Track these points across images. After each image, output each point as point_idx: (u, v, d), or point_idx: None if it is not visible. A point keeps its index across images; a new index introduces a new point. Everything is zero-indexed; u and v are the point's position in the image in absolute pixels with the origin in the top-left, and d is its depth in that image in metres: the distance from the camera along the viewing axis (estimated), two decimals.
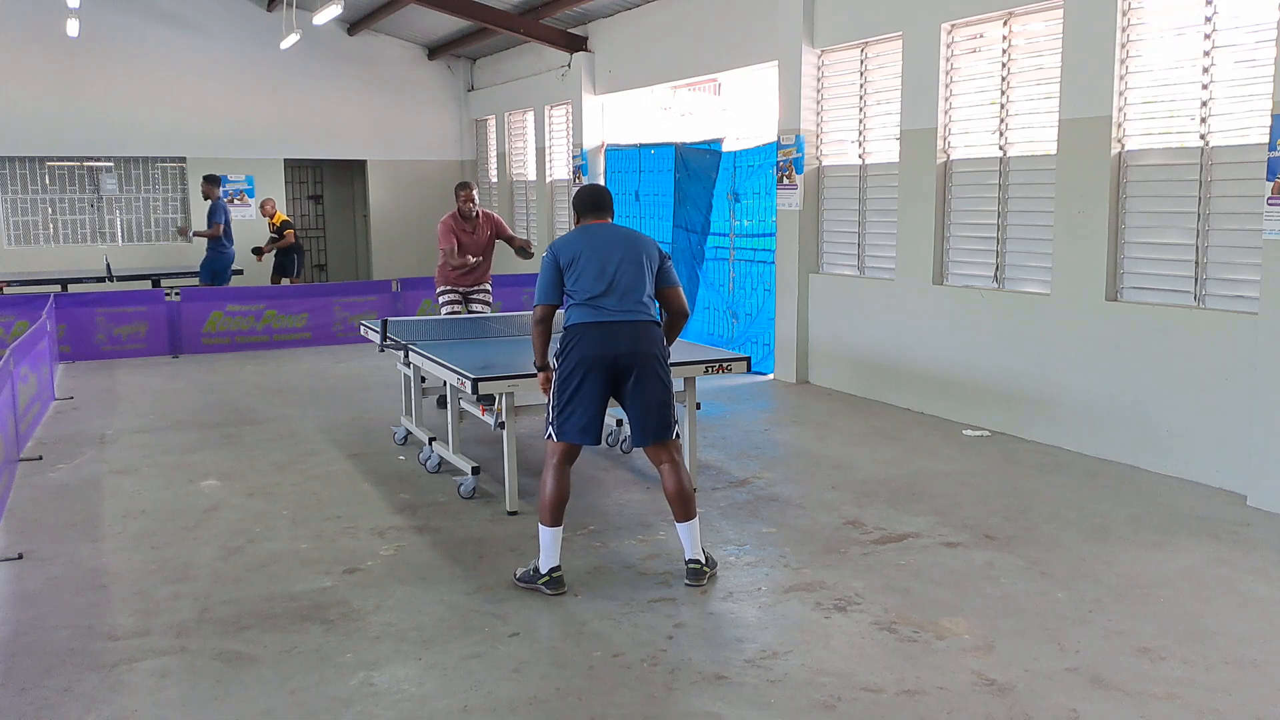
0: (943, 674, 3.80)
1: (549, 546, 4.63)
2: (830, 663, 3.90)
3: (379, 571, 4.93)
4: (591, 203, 4.95)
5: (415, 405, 7.17)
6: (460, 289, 8.74)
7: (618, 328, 4.64)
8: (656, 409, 4.70)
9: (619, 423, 6.95)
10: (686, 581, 4.70)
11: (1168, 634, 4.12)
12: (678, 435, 4.82)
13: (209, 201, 13.16)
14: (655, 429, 4.71)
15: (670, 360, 4.86)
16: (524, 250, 8.45)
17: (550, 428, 4.75)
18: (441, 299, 8.80)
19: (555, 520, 4.65)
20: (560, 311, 4.87)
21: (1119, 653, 3.96)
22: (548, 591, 4.58)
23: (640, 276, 4.72)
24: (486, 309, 8.84)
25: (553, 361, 4.79)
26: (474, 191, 8.61)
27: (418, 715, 3.57)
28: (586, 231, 4.83)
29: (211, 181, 13.18)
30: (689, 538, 4.74)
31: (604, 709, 3.58)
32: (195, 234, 13.48)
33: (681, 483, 4.73)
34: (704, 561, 4.74)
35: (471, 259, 8.53)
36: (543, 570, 4.62)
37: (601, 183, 5.13)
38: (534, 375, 5.64)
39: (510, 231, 8.85)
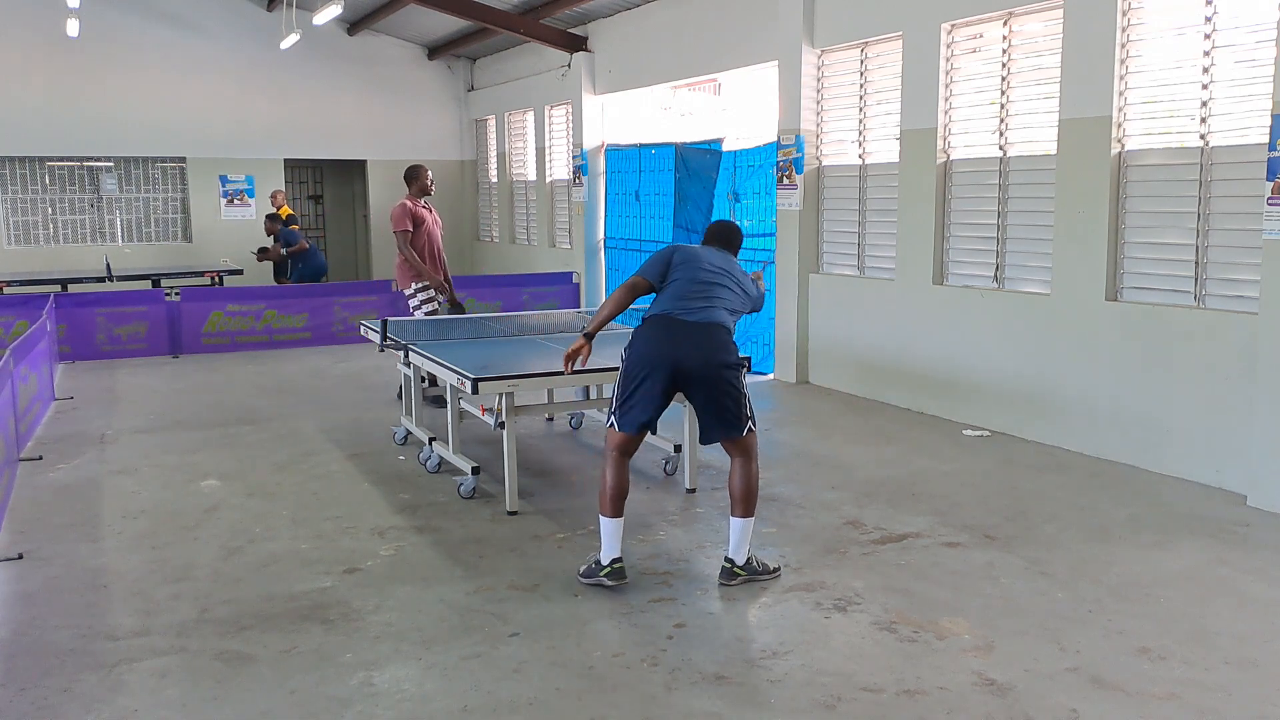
0: (943, 674, 3.79)
1: (609, 536, 4.64)
2: (830, 663, 3.90)
3: (379, 571, 4.93)
4: (718, 234, 5.12)
5: (415, 405, 7.17)
6: (433, 284, 8.36)
7: (686, 328, 4.63)
8: (717, 411, 4.68)
9: None
10: (721, 581, 4.71)
11: (1168, 634, 4.12)
12: (751, 430, 4.74)
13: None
14: (717, 429, 4.72)
15: (741, 358, 4.80)
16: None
17: (613, 418, 4.75)
18: (417, 298, 8.37)
19: (615, 511, 4.64)
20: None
21: (1119, 653, 3.96)
22: (609, 583, 4.57)
23: (727, 292, 4.79)
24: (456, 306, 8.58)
25: (622, 354, 4.80)
26: (425, 173, 8.42)
27: (418, 715, 3.57)
28: (704, 250, 4.93)
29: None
30: (735, 535, 4.74)
31: (604, 709, 3.58)
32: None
33: (743, 479, 4.71)
34: (737, 564, 4.70)
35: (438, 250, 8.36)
36: (604, 562, 4.63)
37: (740, 228, 5.17)
38: (533, 375, 5.63)
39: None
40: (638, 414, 4.65)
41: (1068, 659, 3.91)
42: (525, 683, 3.77)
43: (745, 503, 4.71)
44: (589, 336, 4.88)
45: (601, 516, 4.68)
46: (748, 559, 4.73)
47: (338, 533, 5.50)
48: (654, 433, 4.93)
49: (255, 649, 4.08)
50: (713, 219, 10.97)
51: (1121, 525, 5.46)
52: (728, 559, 4.74)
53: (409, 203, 8.35)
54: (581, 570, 4.74)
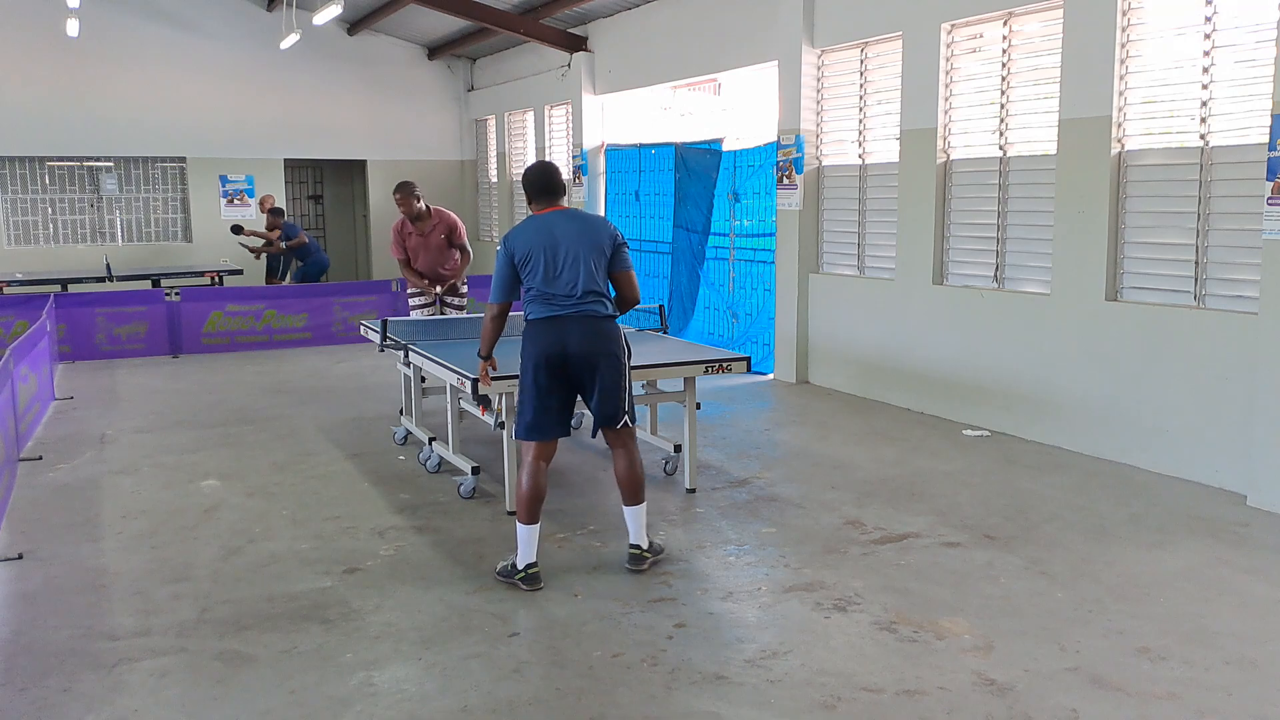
0: (943, 674, 3.80)
1: (525, 542, 4.70)
2: (830, 663, 3.90)
3: (379, 571, 4.93)
4: (542, 186, 4.80)
5: (415, 405, 7.17)
6: (423, 289, 8.33)
7: (568, 323, 4.67)
8: (607, 399, 4.76)
9: None
10: (627, 566, 4.84)
11: (1168, 634, 4.12)
12: (627, 424, 4.84)
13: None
14: (605, 417, 4.79)
15: (628, 351, 4.89)
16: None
17: (520, 427, 4.81)
18: (411, 301, 8.47)
19: (533, 517, 4.71)
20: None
21: (1119, 653, 3.96)
22: (524, 588, 4.64)
23: (591, 268, 4.70)
24: (461, 314, 8.44)
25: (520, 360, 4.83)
26: (408, 195, 8.01)
27: (418, 715, 3.57)
28: (539, 225, 4.74)
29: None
30: (635, 523, 4.88)
31: (604, 709, 3.58)
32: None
33: (631, 468, 4.88)
34: (645, 548, 4.88)
35: (421, 274, 8.22)
36: (519, 566, 4.69)
37: (553, 163, 4.97)
38: None
39: (463, 239, 8.32)
40: (534, 417, 4.71)
41: (1068, 659, 3.91)
42: (525, 683, 3.77)
43: (636, 491, 4.87)
44: (485, 357, 4.96)
45: (519, 523, 4.72)
46: (651, 540, 4.94)
47: (338, 533, 5.50)
48: (565, 434, 4.92)
49: (255, 649, 4.08)
50: (713, 219, 10.99)
51: (1121, 525, 5.46)
52: (634, 545, 4.87)
53: (396, 225, 8.29)
54: (498, 569, 4.79)
